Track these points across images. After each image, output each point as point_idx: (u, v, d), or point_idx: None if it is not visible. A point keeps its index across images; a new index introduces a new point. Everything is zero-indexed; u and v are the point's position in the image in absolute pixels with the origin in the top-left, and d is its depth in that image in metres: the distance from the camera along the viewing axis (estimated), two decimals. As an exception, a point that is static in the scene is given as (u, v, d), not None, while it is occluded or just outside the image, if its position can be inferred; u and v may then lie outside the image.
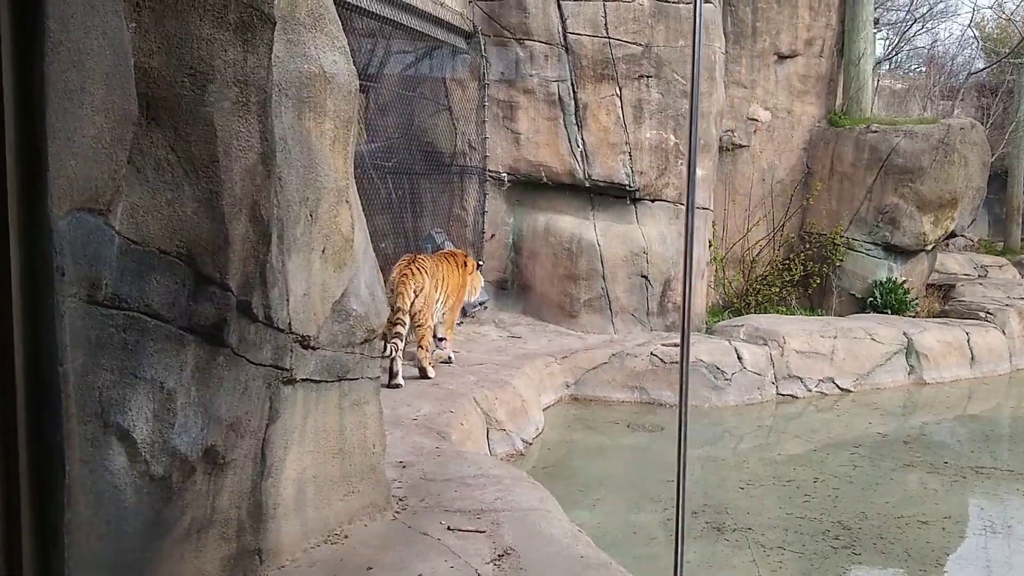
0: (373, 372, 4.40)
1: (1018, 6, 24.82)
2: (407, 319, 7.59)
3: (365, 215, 9.43)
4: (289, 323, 3.64)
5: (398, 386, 7.33)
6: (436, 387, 7.30)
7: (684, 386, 2.76)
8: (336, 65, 3.94)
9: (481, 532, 4.42)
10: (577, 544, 4.42)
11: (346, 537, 4.21)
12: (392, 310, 7.38)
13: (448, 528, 4.42)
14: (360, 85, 10.42)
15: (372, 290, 4.31)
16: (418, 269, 7.75)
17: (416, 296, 7.65)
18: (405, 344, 7.62)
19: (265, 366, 3.53)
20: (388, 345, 7.39)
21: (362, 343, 4.23)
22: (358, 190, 9.13)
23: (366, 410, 4.37)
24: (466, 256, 8.83)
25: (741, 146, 12.45)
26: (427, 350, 7.81)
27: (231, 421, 3.32)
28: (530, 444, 7.44)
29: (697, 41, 2.52)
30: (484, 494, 4.93)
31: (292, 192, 3.62)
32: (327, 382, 4.07)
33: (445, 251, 8.87)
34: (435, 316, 8.02)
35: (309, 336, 3.82)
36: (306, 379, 3.89)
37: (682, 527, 2.81)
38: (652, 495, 6.64)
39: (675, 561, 2.83)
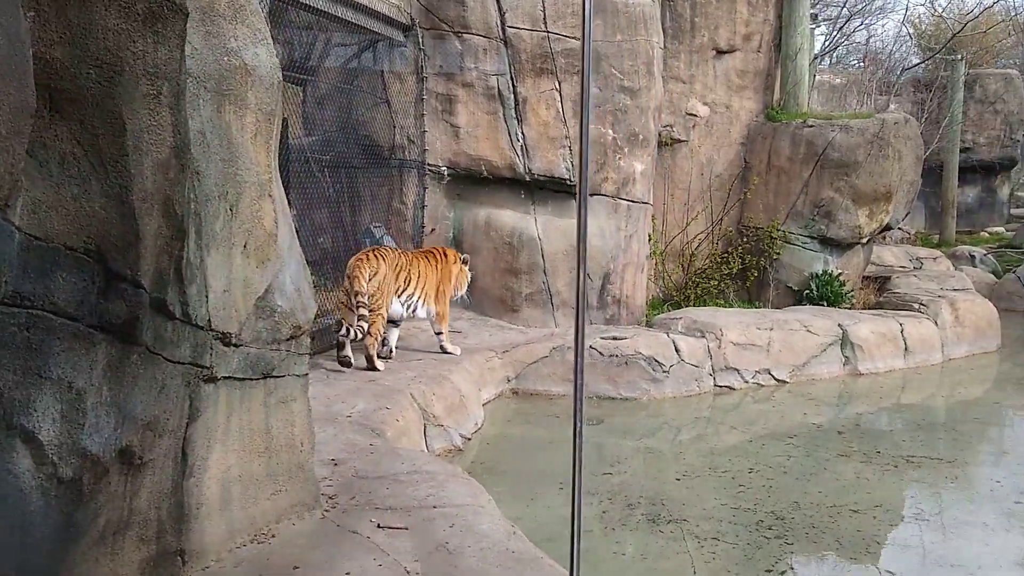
0: (300, 369, 4.34)
1: (949, 3, 25.36)
2: (367, 301, 7.74)
3: (303, 209, 9.43)
4: (209, 320, 3.57)
5: (348, 364, 7.72)
6: (372, 383, 7.25)
7: (579, 373, 2.75)
8: (258, 58, 3.87)
9: (412, 529, 4.39)
10: (509, 540, 4.41)
11: (273, 536, 4.16)
12: (352, 295, 7.74)
13: (378, 526, 4.38)
14: (297, 78, 10.36)
15: (298, 286, 4.25)
16: (375, 256, 7.98)
17: (371, 279, 7.80)
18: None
19: (184, 364, 3.47)
20: (353, 329, 7.67)
21: (288, 340, 4.17)
22: (296, 184, 9.11)
23: (293, 408, 4.31)
24: (444, 249, 9.07)
25: (680, 141, 12.52)
26: (375, 338, 7.87)
27: (148, 420, 3.25)
28: (469, 439, 7.42)
29: (587, 29, 2.51)
30: (416, 491, 4.90)
31: (211, 186, 3.56)
32: (251, 380, 4.01)
33: (423, 249, 9.21)
34: (412, 311, 8.40)
35: (230, 333, 3.75)
36: (228, 377, 3.82)
37: (578, 524, 2.83)
38: (590, 488, 6.64)
39: (571, 556, 2.85)
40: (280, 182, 4.23)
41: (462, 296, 9.17)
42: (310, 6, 8.25)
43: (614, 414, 8.55)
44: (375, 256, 7.99)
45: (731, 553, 5.58)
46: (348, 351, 7.71)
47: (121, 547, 3.28)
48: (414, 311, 8.42)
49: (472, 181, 10.36)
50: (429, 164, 10.25)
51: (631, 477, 7.06)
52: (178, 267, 3.25)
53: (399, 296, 8.25)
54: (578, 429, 2.69)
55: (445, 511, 4.64)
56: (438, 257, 8.81)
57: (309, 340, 4.47)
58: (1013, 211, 30.81)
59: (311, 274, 9.06)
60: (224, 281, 3.66)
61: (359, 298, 7.72)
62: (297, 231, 9.83)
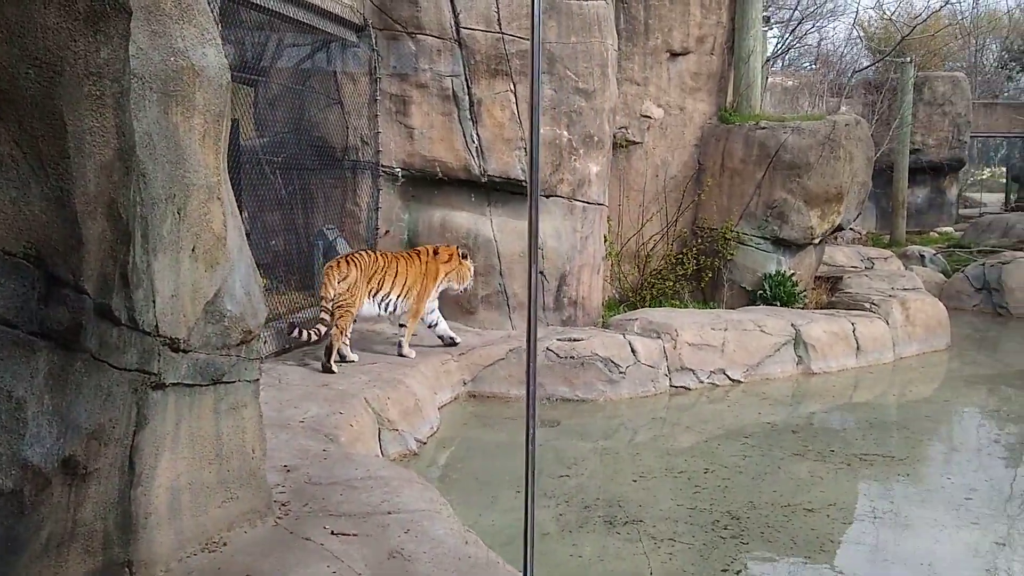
0: (251, 375, 4.27)
1: (898, 6, 25.82)
2: (331, 306, 8.19)
3: (255, 212, 9.31)
4: (156, 325, 3.49)
5: (339, 364, 8.08)
6: (325, 387, 7.17)
7: (532, 377, 2.75)
8: (206, 58, 3.80)
9: (366, 536, 4.34)
10: (465, 544, 4.38)
11: (225, 545, 4.08)
12: (320, 299, 8.33)
13: (332, 532, 4.32)
14: (248, 79, 10.22)
15: (248, 289, 4.17)
16: (347, 261, 8.37)
17: (340, 282, 8.19)
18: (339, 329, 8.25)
19: (130, 371, 3.39)
20: (308, 332, 8.27)
21: (238, 345, 4.10)
22: (248, 186, 9.00)
23: (244, 414, 4.23)
24: (436, 247, 9.20)
25: (635, 143, 12.56)
26: (341, 332, 8.17)
27: (93, 429, 3.17)
28: (424, 443, 7.37)
29: (536, 29, 2.49)
30: (371, 497, 4.84)
31: (158, 189, 3.48)
32: (201, 386, 3.93)
33: (413, 249, 9.42)
34: (390, 310, 8.70)
35: (179, 339, 3.67)
36: (177, 383, 3.74)
37: (531, 529, 2.83)
38: (547, 491, 6.64)
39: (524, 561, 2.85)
40: (229, 184, 4.16)
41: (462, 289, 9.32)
42: (261, 6, 8.15)
43: (571, 416, 8.55)
44: (347, 262, 8.31)
45: (687, 554, 5.59)
46: (352, 356, 8.36)
47: (65, 560, 3.20)
48: (393, 310, 8.71)
49: (427, 182, 10.29)
50: (383, 165, 10.17)
51: (588, 479, 7.06)
52: (123, 272, 3.17)
53: (373, 297, 8.48)
54: (531, 435, 2.67)
55: (399, 517, 4.60)
56: (424, 254, 8.98)
57: (260, 345, 4.39)
58: (961, 211, 31.39)
59: (263, 277, 8.98)
60: (172, 286, 3.59)
61: (323, 303, 8.18)
62: (249, 234, 9.74)
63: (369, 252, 8.75)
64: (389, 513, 4.63)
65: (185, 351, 3.75)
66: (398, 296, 8.62)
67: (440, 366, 8.66)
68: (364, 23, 9.97)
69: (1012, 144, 37.45)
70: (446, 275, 9.02)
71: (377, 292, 8.48)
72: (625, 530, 5.93)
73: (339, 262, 8.31)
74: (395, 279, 8.57)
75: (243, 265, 4.16)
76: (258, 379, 4.36)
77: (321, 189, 10.27)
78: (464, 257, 9.16)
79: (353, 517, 4.54)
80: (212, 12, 7.21)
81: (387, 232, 10.26)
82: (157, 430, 3.65)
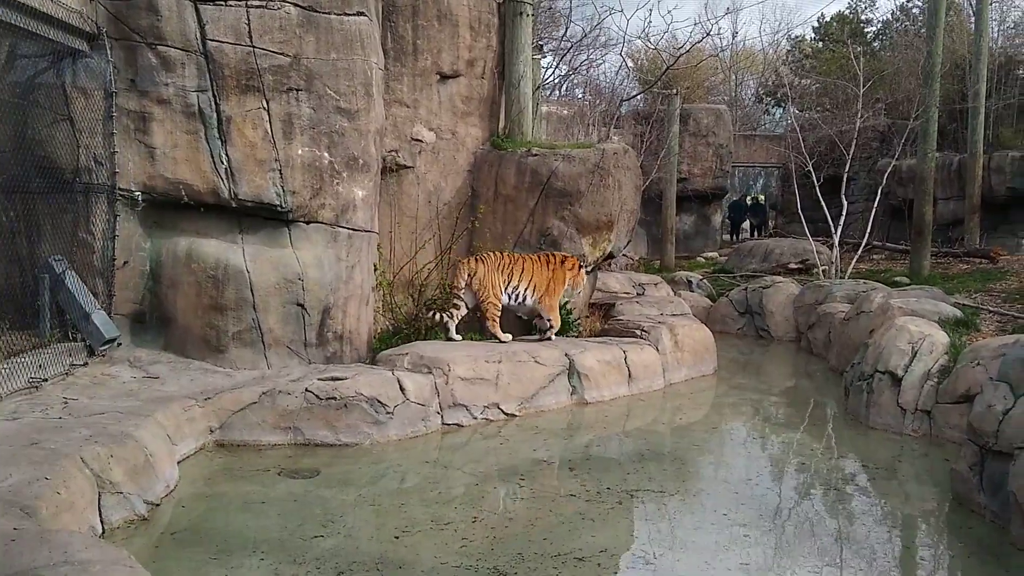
0: None
1: (662, 36, 26.81)
2: (461, 294, 10.81)
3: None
4: None
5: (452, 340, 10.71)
6: (35, 447, 6.10)
7: None
8: None
9: (43, 646, 3.49)
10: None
11: None
12: (448, 288, 11.20)
13: (-7, 648, 3.45)
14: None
15: None
16: (475, 259, 11.00)
17: (471, 278, 10.81)
18: (460, 312, 10.96)
19: None
20: (442, 315, 10.76)
21: None
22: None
23: None
24: (564, 257, 11.40)
25: (406, 167, 12.02)
26: (491, 319, 10.85)
27: None
28: (158, 505, 6.46)
29: None
30: (59, 591, 3.97)
31: None
32: None
33: (542, 253, 11.50)
34: (519, 300, 11.07)
35: None
36: None
37: None
38: (297, 554, 5.91)
39: None
40: None
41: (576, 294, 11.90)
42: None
43: (332, 463, 7.83)
44: (475, 260, 10.96)
45: (448, 622, 5.03)
46: (455, 336, 10.84)
47: None
48: (522, 301, 11.07)
49: (171, 208, 9.27)
50: (120, 189, 9.08)
51: (345, 538, 6.34)
52: None
53: (504, 288, 10.95)
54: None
55: (94, 615, 3.77)
56: (553, 263, 11.23)
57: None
58: (725, 237, 33.00)
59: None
60: None
61: (453, 290, 10.93)
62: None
63: (495, 252, 11.13)
64: (79, 612, 3.79)
65: None
66: (525, 289, 10.97)
67: (182, 413, 7.73)
68: (97, 32, 8.92)
69: (769, 173, 39.99)
70: (572, 280, 11.25)
71: (507, 283, 10.88)
72: (382, 598, 5.30)
73: (468, 259, 10.95)
74: (522, 275, 10.93)
75: None
76: None
77: (48, 215, 9.06)
78: (581, 268, 11.44)
79: (30, 622, 3.67)
80: None
81: (125, 263, 9.16)
82: None
